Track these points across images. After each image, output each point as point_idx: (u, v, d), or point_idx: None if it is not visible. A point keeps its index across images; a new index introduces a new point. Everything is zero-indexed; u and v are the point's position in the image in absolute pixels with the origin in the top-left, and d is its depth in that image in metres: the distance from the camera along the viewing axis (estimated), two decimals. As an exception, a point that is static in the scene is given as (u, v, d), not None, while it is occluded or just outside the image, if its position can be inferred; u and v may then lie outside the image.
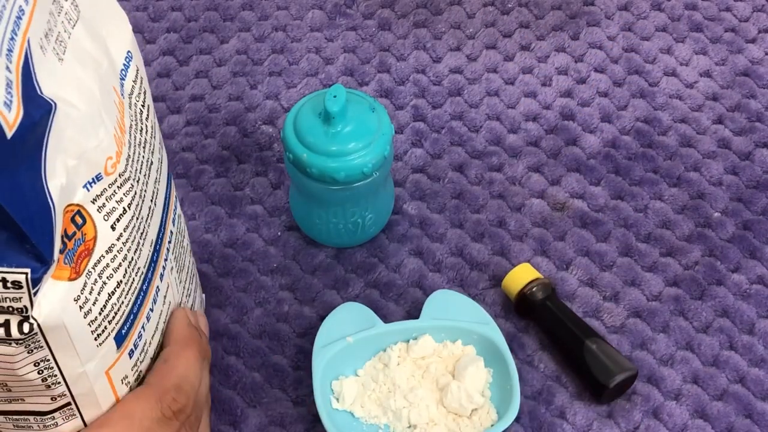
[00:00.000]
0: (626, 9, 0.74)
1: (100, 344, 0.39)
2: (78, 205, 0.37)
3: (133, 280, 0.41)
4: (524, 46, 0.71)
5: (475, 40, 0.72)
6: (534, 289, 0.57)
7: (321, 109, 0.54)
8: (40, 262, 0.34)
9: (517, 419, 0.54)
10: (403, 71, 0.70)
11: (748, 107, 0.68)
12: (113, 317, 0.40)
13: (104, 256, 0.38)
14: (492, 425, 0.52)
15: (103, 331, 0.39)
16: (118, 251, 0.39)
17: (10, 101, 0.31)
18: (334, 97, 0.53)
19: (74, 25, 0.38)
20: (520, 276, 0.57)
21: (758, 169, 0.65)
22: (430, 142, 0.66)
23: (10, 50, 0.32)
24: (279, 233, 0.62)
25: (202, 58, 0.71)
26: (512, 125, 0.67)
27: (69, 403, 0.40)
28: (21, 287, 0.34)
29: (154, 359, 0.45)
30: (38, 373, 0.38)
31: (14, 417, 0.41)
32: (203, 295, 0.57)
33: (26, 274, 0.34)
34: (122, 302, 0.40)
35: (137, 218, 0.41)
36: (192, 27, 0.73)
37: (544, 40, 0.72)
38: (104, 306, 0.38)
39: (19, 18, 0.33)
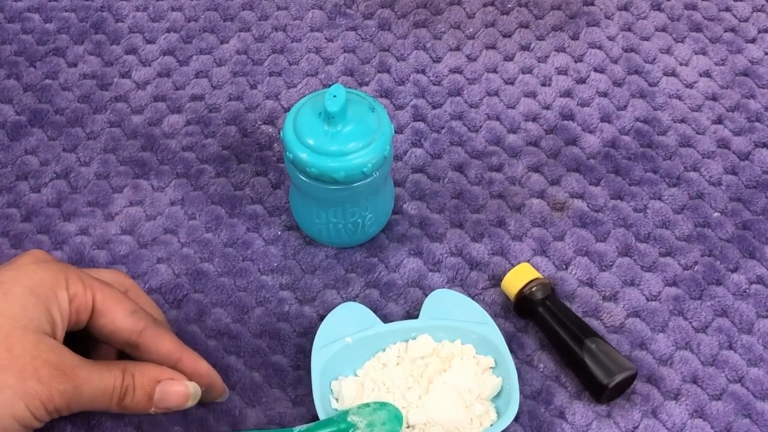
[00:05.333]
0: (626, 9, 0.74)
1: None
2: None
3: None
4: (524, 46, 0.71)
5: (475, 40, 0.72)
6: (533, 289, 0.57)
7: (321, 109, 0.54)
8: None
9: (517, 419, 0.54)
10: (403, 71, 0.70)
11: (748, 107, 0.68)
12: None
13: None
14: (491, 425, 0.53)
15: None
16: None
17: None
18: (334, 97, 0.53)
19: None
20: (520, 276, 0.57)
21: (758, 169, 0.65)
22: (430, 142, 0.66)
23: None
24: (279, 233, 0.62)
25: (202, 58, 0.71)
26: (512, 125, 0.67)
27: None
28: None
29: None
30: None
31: None
32: None
33: None
34: None
35: None
36: (192, 27, 0.73)
37: (543, 40, 0.72)
38: None
39: None
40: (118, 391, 0.47)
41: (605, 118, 0.68)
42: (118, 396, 0.47)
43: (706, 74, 0.70)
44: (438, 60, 0.71)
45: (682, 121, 0.67)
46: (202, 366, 0.51)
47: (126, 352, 0.51)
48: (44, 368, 0.44)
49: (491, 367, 0.55)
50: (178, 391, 0.48)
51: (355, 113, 0.55)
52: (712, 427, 0.55)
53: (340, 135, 0.54)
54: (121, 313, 0.49)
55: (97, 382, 0.46)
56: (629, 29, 0.72)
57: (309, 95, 0.57)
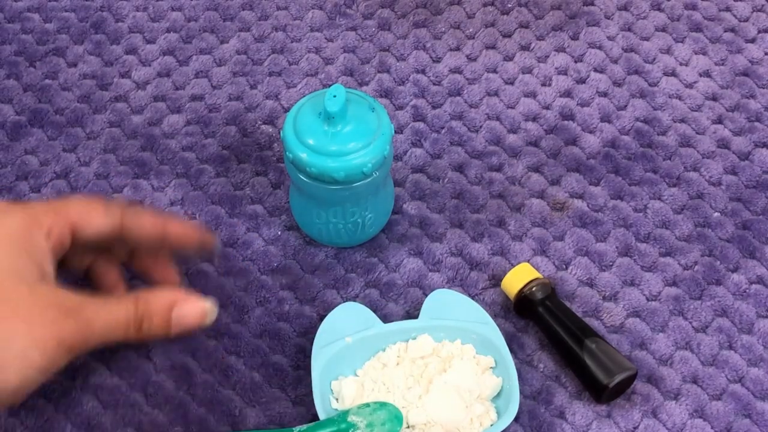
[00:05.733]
0: (626, 9, 0.74)
1: None
2: None
3: None
4: (524, 46, 0.71)
5: (475, 40, 0.72)
6: (533, 289, 0.57)
7: (321, 109, 0.54)
8: None
9: (517, 419, 0.55)
10: (403, 71, 0.70)
11: (748, 107, 0.68)
12: None
13: None
14: (491, 425, 0.53)
15: None
16: None
17: None
18: (334, 96, 0.53)
19: None
20: (520, 276, 0.57)
21: (758, 169, 0.65)
22: (430, 142, 0.66)
23: None
24: (279, 233, 0.62)
25: (202, 58, 0.71)
26: (512, 125, 0.67)
27: None
28: None
29: None
30: None
31: None
32: None
33: None
34: None
35: None
36: (192, 27, 0.73)
37: (543, 40, 0.72)
38: None
39: None
40: (133, 320, 0.47)
41: (605, 118, 0.68)
42: (135, 325, 0.47)
43: (706, 74, 0.70)
44: (438, 60, 0.71)
45: (682, 121, 0.67)
46: (190, 226, 0.53)
47: (118, 245, 0.52)
48: (48, 311, 0.44)
49: (491, 367, 0.55)
50: (194, 311, 0.49)
51: (355, 113, 0.55)
52: (712, 427, 0.55)
53: (340, 135, 0.54)
54: (96, 217, 0.49)
55: (107, 315, 0.46)
56: (629, 29, 0.72)
57: (309, 95, 0.57)
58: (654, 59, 0.71)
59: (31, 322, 0.43)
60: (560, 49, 0.71)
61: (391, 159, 0.57)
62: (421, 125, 0.67)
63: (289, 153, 0.55)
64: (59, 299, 0.45)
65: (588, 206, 0.63)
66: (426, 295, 0.58)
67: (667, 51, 0.71)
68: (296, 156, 0.54)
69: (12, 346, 0.42)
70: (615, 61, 0.71)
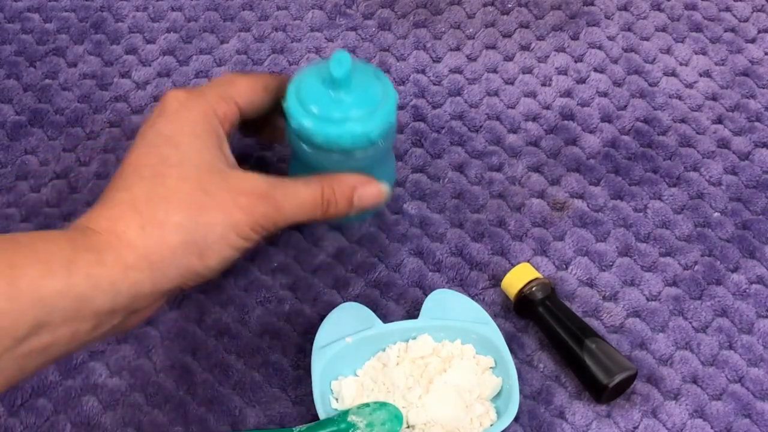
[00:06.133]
0: (626, 9, 0.74)
1: None
2: None
3: None
4: (524, 46, 0.71)
5: (475, 40, 0.72)
6: (533, 289, 0.57)
7: (325, 76, 0.53)
8: None
9: (517, 419, 0.55)
10: (403, 71, 0.70)
11: (748, 107, 0.68)
12: None
13: None
14: (491, 425, 0.53)
15: None
16: None
17: None
18: (339, 63, 0.52)
19: None
20: (520, 276, 0.57)
21: (758, 169, 0.65)
22: (430, 142, 0.66)
23: None
24: (280, 233, 0.62)
25: (202, 58, 0.71)
26: (512, 125, 0.67)
27: None
28: None
29: None
30: None
31: None
32: None
33: None
34: None
35: None
36: (192, 27, 0.73)
37: (544, 40, 0.72)
38: None
39: None
40: (320, 204, 0.51)
41: (605, 118, 0.68)
42: (322, 208, 0.52)
43: (706, 74, 0.70)
44: (438, 60, 0.71)
45: (682, 121, 0.67)
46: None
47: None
48: (242, 198, 0.48)
49: (491, 367, 0.55)
50: (373, 192, 0.54)
51: (359, 81, 0.53)
52: (712, 427, 0.55)
53: (345, 101, 0.52)
54: (258, 98, 0.54)
55: (296, 198, 0.50)
56: (629, 29, 0.72)
57: (308, 65, 0.55)
58: (654, 59, 0.71)
59: (228, 211, 0.47)
60: (560, 49, 0.71)
61: (395, 129, 0.55)
62: (421, 125, 0.67)
63: (294, 122, 0.52)
64: (250, 184, 0.49)
65: (588, 206, 0.63)
66: (426, 295, 0.58)
67: (667, 51, 0.71)
68: (300, 125, 0.52)
69: (212, 232, 0.46)
70: (615, 61, 0.71)
